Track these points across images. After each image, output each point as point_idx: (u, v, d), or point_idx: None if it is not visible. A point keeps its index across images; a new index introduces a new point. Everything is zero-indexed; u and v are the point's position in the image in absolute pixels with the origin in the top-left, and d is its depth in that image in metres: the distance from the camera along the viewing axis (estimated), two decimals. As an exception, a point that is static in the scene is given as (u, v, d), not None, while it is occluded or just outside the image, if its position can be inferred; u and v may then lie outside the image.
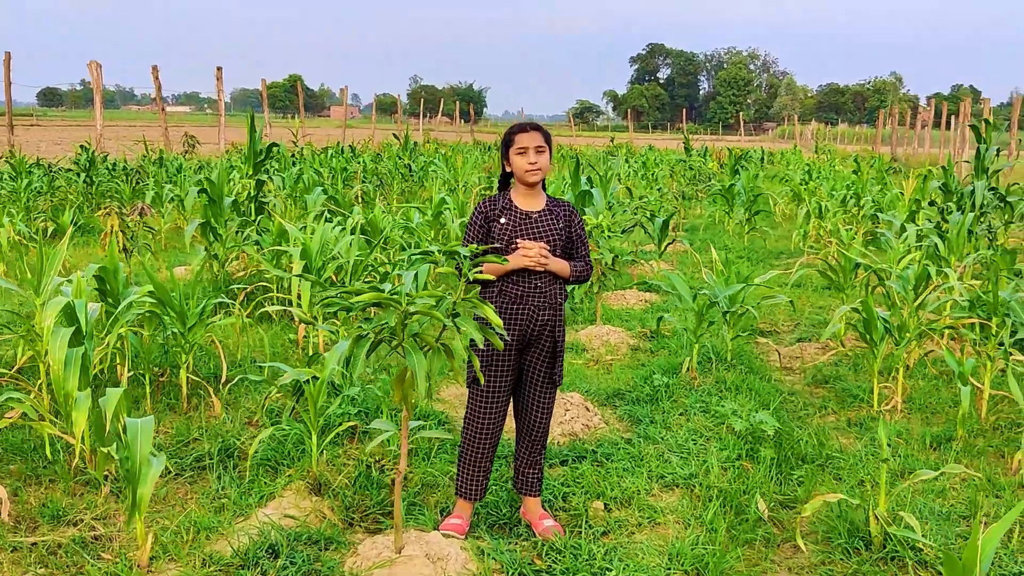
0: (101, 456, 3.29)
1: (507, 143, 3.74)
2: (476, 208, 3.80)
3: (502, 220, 3.71)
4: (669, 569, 3.42)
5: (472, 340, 3.15)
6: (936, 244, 7.65)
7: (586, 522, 3.86)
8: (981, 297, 5.36)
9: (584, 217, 8.27)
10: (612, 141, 39.59)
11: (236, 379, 5.25)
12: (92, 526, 3.64)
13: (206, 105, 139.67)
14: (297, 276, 5.76)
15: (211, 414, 5.02)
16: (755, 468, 4.46)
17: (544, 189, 3.83)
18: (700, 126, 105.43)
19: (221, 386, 5.35)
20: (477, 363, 3.31)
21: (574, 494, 4.10)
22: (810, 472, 4.53)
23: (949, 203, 9.40)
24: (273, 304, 6.57)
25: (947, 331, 5.67)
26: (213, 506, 3.91)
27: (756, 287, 6.43)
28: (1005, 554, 3.62)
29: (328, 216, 8.96)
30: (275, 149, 9.74)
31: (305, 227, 6.88)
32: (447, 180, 13.39)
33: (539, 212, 3.72)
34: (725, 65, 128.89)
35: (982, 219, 9.48)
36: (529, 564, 3.49)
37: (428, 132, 29.53)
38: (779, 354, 6.68)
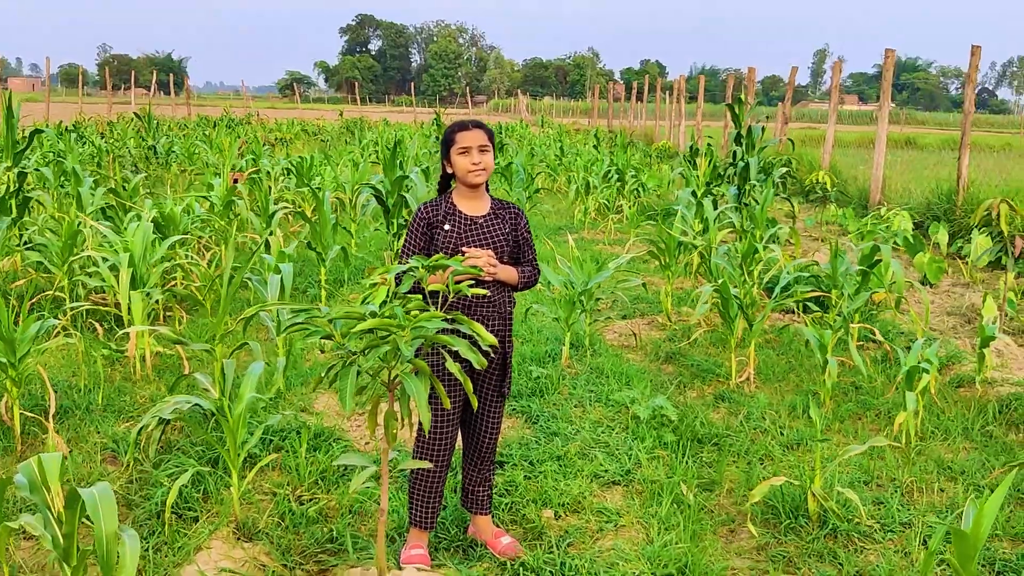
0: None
1: (447, 142, 3.48)
2: (417, 214, 3.51)
3: (446, 227, 3.45)
4: (659, 575, 3.38)
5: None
6: (735, 220, 8.17)
7: (541, 533, 3.72)
8: (820, 271, 5.79)
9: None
10: (341, 115, 38.80)
11: (66, 408, 4.57)
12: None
13: None
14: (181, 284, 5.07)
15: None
16: (670, 455, 4.53)
17: (487, 190, 3.61)
18: (415, 99, 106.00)
19: (51, 418, 4.61)
20: (441, 387, 3.04)
21: (517, 505, 3.94)
22: (711, 452, 4.68)
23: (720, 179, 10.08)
24: (83, 316, 5.77)
25: (790, 303, 6.05)
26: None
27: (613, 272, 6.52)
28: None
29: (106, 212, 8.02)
30: (40, 136, 8.52)
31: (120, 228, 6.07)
32: (212, 163, 12.41)
33: (484, 216, 3.50)
34: (436, 38, 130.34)
35: (752, 192, 10.26)
36: (511, 588, 3.32)
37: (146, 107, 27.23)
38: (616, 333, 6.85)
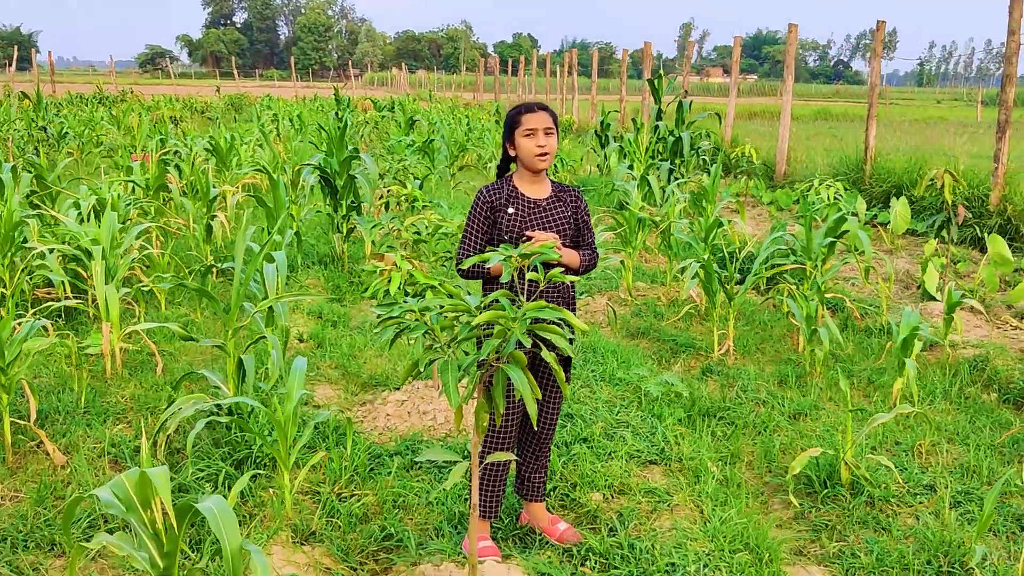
0: None
1: (512, 124, 3.39)
2: (478, 197, 3.41)
3: (510, 210, 3.37)
4: (730, 552, 3.42)
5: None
6: (683, 195, 8.30)
7: (594, 517, 3.72)
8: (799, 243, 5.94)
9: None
10: (219, 91, 37.42)
11: (45, 412, 4.27)
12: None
13: None
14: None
15: (50, 463, 4.04)
16: (689, 431, 4.59)
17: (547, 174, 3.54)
18: (285, 72, 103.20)
19: (32, 424, 4.30)
20: (532, 378, 2.98)
21: (561, 489, 3.92)
22: (721, 426, 4.76)
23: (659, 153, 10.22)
24: (52, 314, 5.37)
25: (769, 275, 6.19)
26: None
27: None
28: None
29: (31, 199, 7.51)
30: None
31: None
32: (123, 145, 11.71)
33: (547, 199, 3.43)
34: (304, 10, 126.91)
35: (683, 167, 10.45)
36: None
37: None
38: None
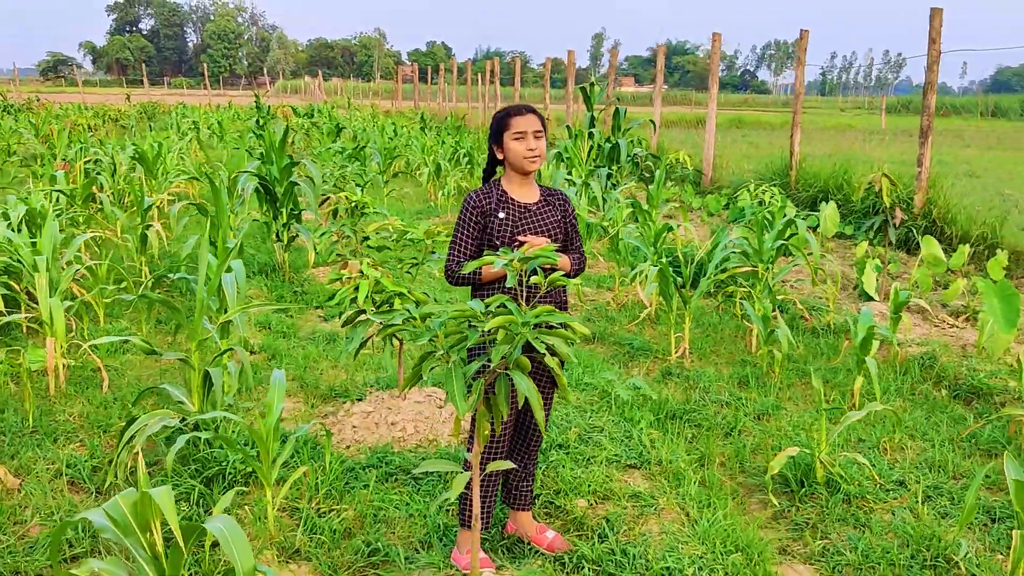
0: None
1: (500, 127, 3.34)
2: (467, 202, 3.34)
3: (500, 215, 3.31)
4: (721, 554, 3.41)
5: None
6: (626, 201, 8.34)
7: (580, 524, 3.67)
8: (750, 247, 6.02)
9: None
10: (129, 99, 36.34)
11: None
12: None
13: None
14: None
15: (2, 487, 3.81)
16: (662, 434, 4.59)
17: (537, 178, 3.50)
18: (194, 80, 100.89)
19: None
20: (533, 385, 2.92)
21: (545, 496, 3.86)
22: (689, 428, 4.78)
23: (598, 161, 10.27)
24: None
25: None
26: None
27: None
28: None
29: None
30: None
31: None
32: (42, 154, 11.15)
33: (537, 203, 3.39)
34: (212, 17, 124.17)
35: (619, 173, 10.53)
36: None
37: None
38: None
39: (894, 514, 3.87)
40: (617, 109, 10.77)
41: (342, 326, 4.63)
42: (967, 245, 8.34)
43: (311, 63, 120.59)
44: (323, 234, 6.70)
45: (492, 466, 2.96)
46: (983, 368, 5.62)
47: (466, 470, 2.96)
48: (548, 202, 3.41)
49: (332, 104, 37.36)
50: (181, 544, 2.23)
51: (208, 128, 17.20)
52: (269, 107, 19.09)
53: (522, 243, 3.26)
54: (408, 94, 45.30)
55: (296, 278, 7.73)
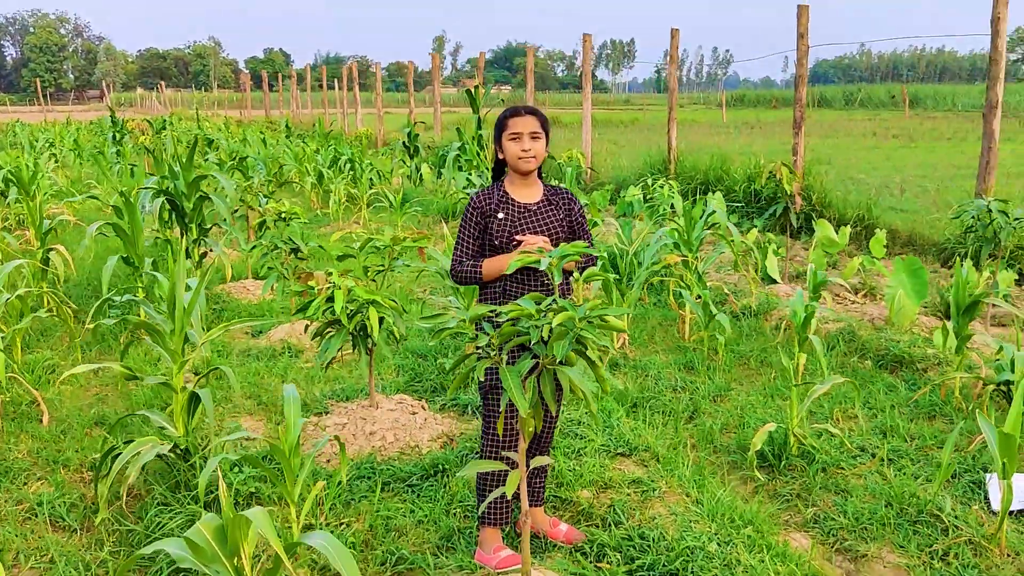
0: None
1: (500, 128, 3.39)
2: (470, 203, 3.38)
3: (500, 215, 3.36)
4: (732, 529, 3.56)
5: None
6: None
7: (589, 513, 3.76)
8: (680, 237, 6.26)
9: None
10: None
11: None
12: None
13: None
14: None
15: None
16: (633, 421, 4.73)
17: (541, 177, 3.55)
18: (17, 96, 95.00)
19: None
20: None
21: (550, 490, 3.93)
22: (652, 415, 4.95)
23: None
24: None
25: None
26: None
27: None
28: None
29: None
30: None
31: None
32: None
33: (538, 203, 3.45)
34: (32, 29, 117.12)
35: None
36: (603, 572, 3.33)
37: None
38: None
39: (865, 478, 4.13)
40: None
41: (312, 338, 4.57)
42: (847, 227, 8.92)
43: (143, 74, 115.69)
44: (253, 247, 6.52)
45: (535, 462, 3.00)
46: (899, 338, 6.04)
47: (511, 467, 3.00)
48: (551, 201, 3.48)
49: (178, 116, 36.03)
50: (287, 563, 2.18)
51: (62, 145, 16.27)
52: (123, 122, 18.30)
53: (520, 243, 3.32)
54: (257, 103, 44.17)
55: (210, 295, 7.48)
